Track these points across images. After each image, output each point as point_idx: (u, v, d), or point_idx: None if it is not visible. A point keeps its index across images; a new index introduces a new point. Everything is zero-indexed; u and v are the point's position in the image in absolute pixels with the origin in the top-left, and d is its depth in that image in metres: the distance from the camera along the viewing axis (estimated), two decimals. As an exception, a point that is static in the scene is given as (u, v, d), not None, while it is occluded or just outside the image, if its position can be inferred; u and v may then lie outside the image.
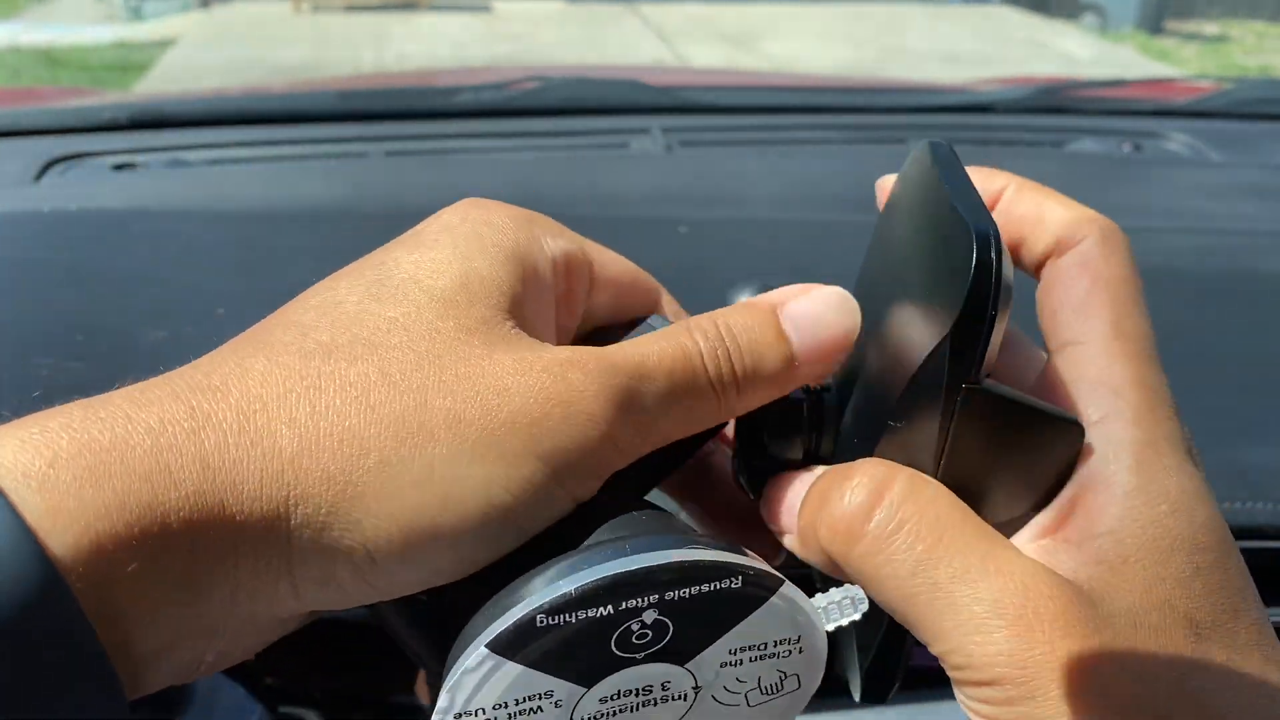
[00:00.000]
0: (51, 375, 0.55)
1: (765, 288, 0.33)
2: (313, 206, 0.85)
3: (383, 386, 0.25)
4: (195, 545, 0.23)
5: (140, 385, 0.25)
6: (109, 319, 0.63)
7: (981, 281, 0.25)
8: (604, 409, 0.26)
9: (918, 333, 0.27)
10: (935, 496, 0.27)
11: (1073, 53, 6.85)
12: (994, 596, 0.25)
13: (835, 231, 0.82)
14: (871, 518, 0.27)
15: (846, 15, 7.80)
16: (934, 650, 0.26)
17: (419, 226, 0.31)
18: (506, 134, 1.12)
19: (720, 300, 0.68)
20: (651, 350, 0.28)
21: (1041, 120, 1.23)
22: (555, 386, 0.26)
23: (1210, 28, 8.04)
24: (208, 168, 1.02)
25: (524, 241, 0.30)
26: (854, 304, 0.30)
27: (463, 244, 0.28)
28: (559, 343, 0.30)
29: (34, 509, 0.21)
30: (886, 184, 0.34)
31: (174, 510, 0.22)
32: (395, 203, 0.87)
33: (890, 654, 0.32)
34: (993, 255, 0.25)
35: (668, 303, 0.36)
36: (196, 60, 5.92)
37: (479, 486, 0.25)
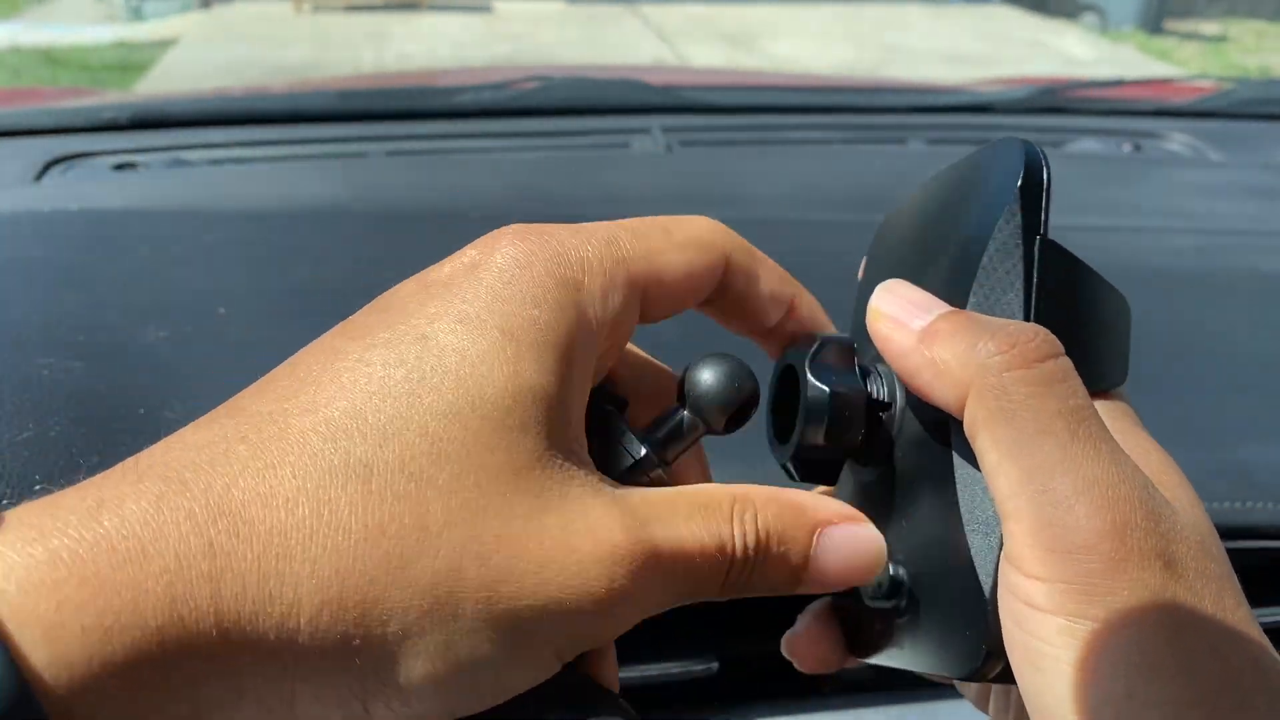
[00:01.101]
0: (52, 375, 0.55)
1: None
2: (313, 206, 0.85)
3: (418, 542, 0.23)
4: (199, 698, 0.22)
5: (158, 489, 0.22)
6: (110, 318, 0.63)
7: (1034, 154, 0.29)
8: (634, 610, 0.26)
9: (975, 227, 0.29)
10: None
11: (1072, 53, 6.85)
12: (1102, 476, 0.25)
13: (835, 231, 0.82)
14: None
15: (846, 15, 7.80)
16: (1010, 500, 0.25)
17: (455, 268, 0.28)
18: (507, 134, 1.12)
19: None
20: (693, 537, 0.27)
21: (1041, 120, 1.23)
22: (597, 583, 0.25)
23: (1210, 27, 8.04)
24: (208, 167, 1.02)
25: (575, 325, 0.27)
26: (884, 556, 0.30)
27: (511, 329, 0.26)
28: (596, 376, 0.30)
29: (40, 658, 0.20)
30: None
31: (183, 666, 0.21)
32: (396, 202, 0.87)
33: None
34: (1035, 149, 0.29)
35: (737, 260, 0.34)
36: (197, 60, 5.92)
37: (496, 670, 0.24)
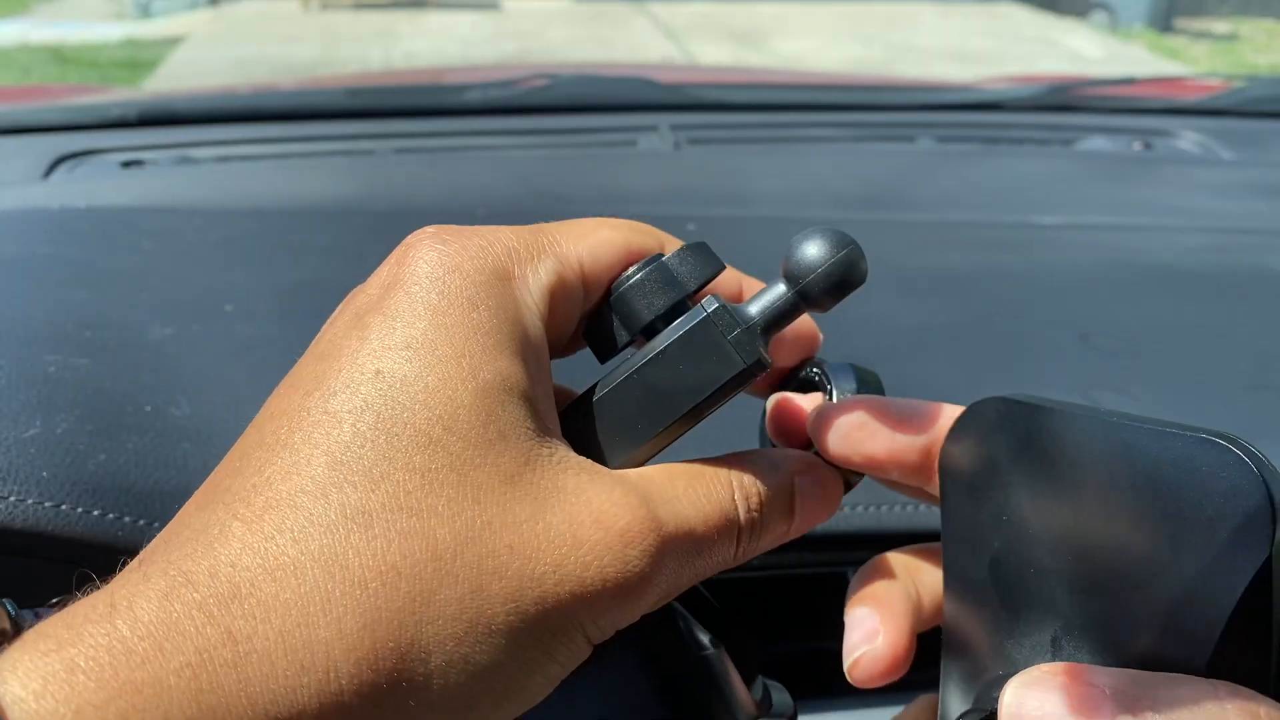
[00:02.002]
0: (59, 371, 0.55)
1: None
2: (321, 203, 0.85)
3: (435, 574, 0.23)
4: None
5: (164, 584, 0.22)
6: (117, 315, 0.63)
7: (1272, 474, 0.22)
8: (655, 587, 0.26)
9: (1197, 580, 0.23)
10: None
11: (1082, 51, 6.83)
12: None
13: (843, 229, 0.82)
14: None
15: (855, 13, 7.79)
16: None
17: (382, 287, 0.27)
18: (515, 131, 1.12)
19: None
20: (700, 519, 0.27)
21: (1051, 118, 1.23)
22: (612, 569, 0.25)
23: (1220, 26, 8.01)
24: (216, 165, 1.02)
25: (517, 319, 0.27)
26: (841, 490, 0.32)
27: (459, 339, 0.26)
28: (554, 352, 0.30)
29: None
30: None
31: None
32: (403, 199, 0.87)
33: None
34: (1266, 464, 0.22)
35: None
36: (205, 58, 5.93)
37: (536, 668, 0.25)
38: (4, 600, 0.25)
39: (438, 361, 0.25)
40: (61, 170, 0.96)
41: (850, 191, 0.93)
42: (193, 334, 0.61)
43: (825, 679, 0.56)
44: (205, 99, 1.20)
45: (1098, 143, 1.17)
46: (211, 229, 0.77)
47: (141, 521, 0.47)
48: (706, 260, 0.30)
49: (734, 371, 0.28)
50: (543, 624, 0.24)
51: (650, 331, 0.30)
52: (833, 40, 6.89)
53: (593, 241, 0.30)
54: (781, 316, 0.30)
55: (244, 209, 0.82)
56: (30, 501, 0.46)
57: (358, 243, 0.76)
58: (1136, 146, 1.17)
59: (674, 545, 0.26)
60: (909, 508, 0.52)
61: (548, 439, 0.26)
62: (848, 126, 1.17)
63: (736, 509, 0.28)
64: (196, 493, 0.26)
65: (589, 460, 0.27)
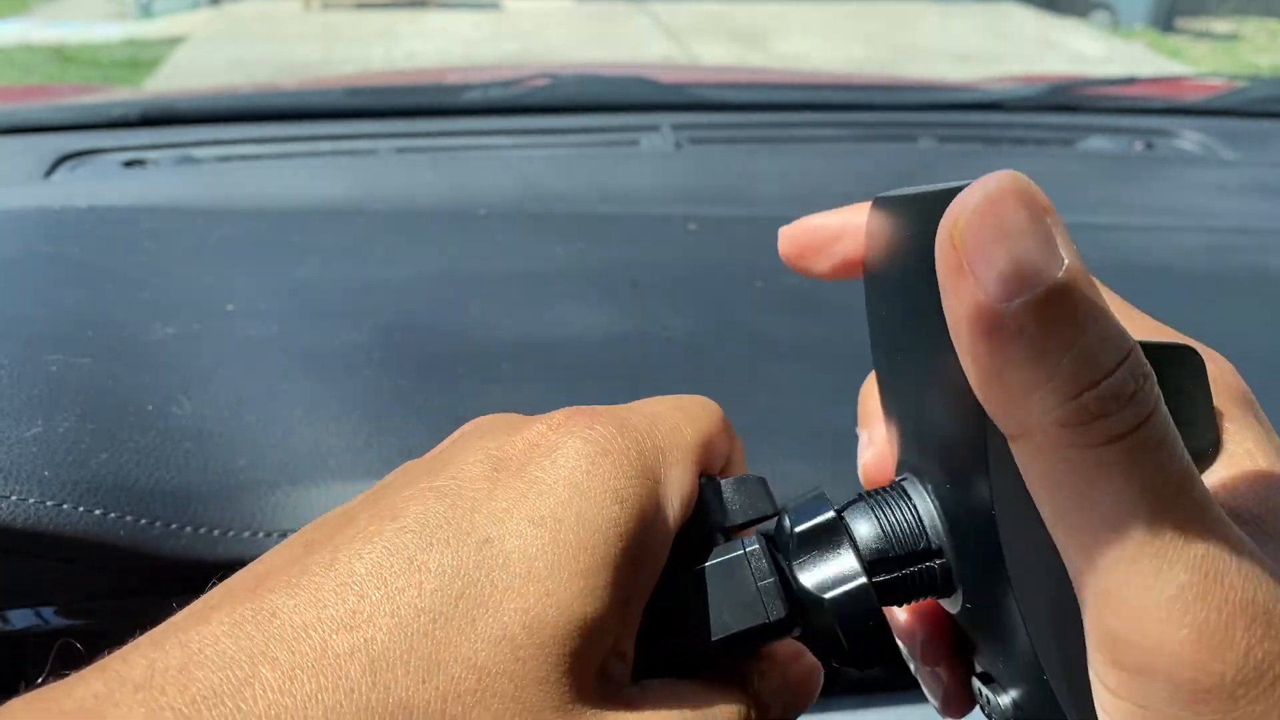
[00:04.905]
0: (61, 371, 0.55)
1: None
2: (322, 203, 0.85)
3: None
4: None
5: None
6: (118, 315, 0.63)
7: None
8: None
9: None
10: None
11: (1083, 50, 6.82)
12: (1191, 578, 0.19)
13: (845, 229, 0.82)
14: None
15: (856, 13, 7.78)
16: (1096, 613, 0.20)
17: (529, 447, 0.26)
18: (516, 131, 1.12)
19: (727, 297, 0.68)
20: None
21: (1052, 118, 1.23)
22: None
23: (1222, 26, 8.00)
24: (217, 164, 1.02)
25: (654, 530, 0.25)
26: (820, 678, 0.30)
27: (587, 535, 0.24)
28: None
29: None
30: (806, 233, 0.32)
31: None
32: (405, 199, 0.87)
33: None
34: None
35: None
36: (206, 57, 5.93)
37: None
38: None
39: (556, 549, 0.23)
40: (63, 170, 0.96)
41: (851, 191, 0.93)
42: (194, 333, 0.61)
43: (825, 679, 0.56)
44: (207, 99, 1.20)
45: (1099, 142, 1.17)
46: (213, 228, 0.77)
47: (143, 521, 0.47)
48: (756, 500, 0.29)
49: (755, 622, 0.27)
50: None
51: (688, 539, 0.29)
52: (834, 40, 6.89)
53: (712, 447, 0.29)
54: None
55: (245, 208, 0.82)
56: (32, 501, 0.46)
57: (359, 242, 0.76)
58: (1138, 146, 1.17)
59: None
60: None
61: (611, 669, 0.24)
62: (849, 126, 1.17)
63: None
64: (240, 583, 0.24)
65: (634, 690, 0.25)
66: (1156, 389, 0.19)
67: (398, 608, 0.22)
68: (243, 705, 0.20)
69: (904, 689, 0.54)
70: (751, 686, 0.27)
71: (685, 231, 0.79)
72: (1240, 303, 0.76)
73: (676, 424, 0.28)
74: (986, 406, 0.20)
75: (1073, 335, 0.19)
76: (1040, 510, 0.20)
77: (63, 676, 0.21)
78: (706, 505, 0.29)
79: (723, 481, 0.29)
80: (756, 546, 0.27)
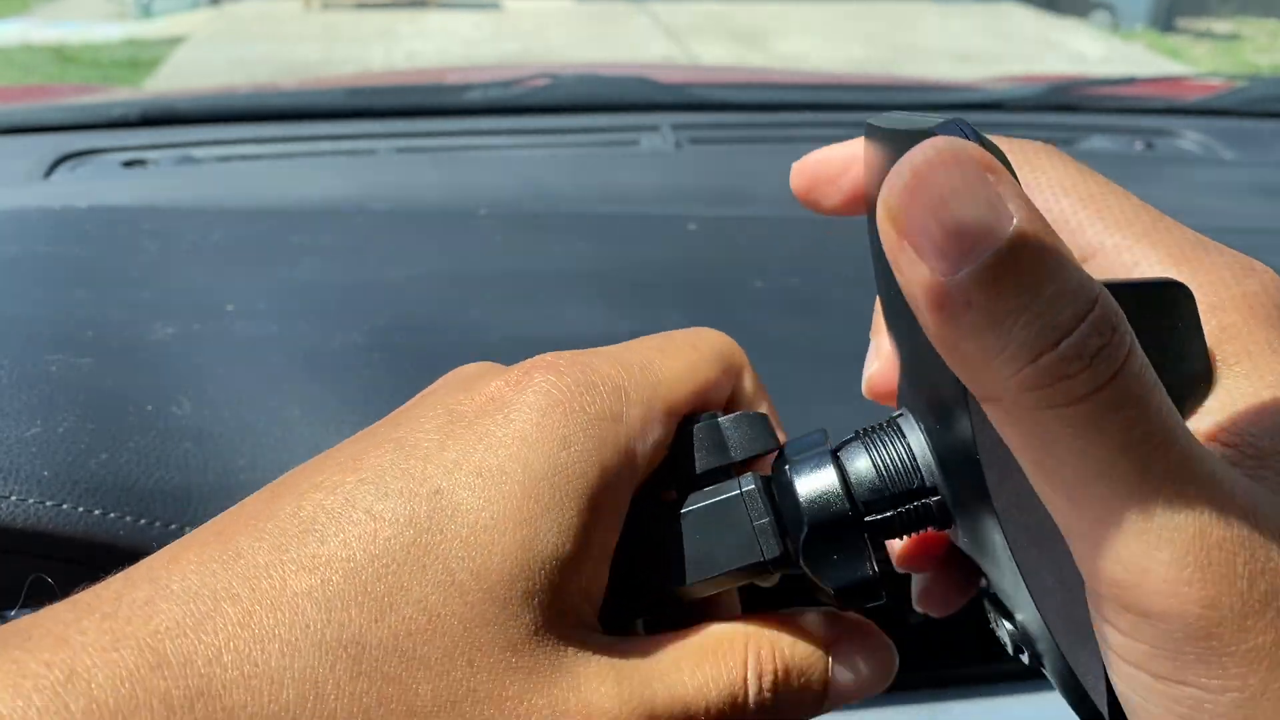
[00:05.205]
0: (60, 371, 0.55)
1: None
2: (322, 203, 0.85)
3: None
4: None
5: (133, 661, 0.21)
6: (118, 315, 0.63)
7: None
8: None
9: None
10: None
11: (1083, 50, 6.82)
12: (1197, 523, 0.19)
13: (844, 229, 0.82)
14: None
15: (856, 13, 7.79)
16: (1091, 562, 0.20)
17: (484, 402, 0.26)
18: (516, 131, 1.12)
19: (727, 297, 0.68)
20: (701, 703, 0.25)
21: (1053, 118, 1.23)
22: None
23: (1222, 26, 8.00)
24: (217, 164, 1.02)
25: (611, 469, 0.26)
26: (895, 660, 0.28)
27: (533, 483, 0.25)
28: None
29: None
30: (818, 168, 0.32)
31: None
32: (405, 199, 0.87)
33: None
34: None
35: (747, 382, 0.32)
36: (206, 57, 5.93)
37: None
38: None
39: (501, 499, 0.24)
40: (63, 170, 0.96)
41: (851, 191, 0.93)
42: (194, 334, 0.61)
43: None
44: (207, 99, 1.20)
45: (1099, 142, 1.17)
46: (213, 229, 0.77)
47: (143, 521, 0.47)
48: (758, 437, 0.30)
49: (750, 560, 0.28)
50: None
51: (687, 486, 0.29)
52: (834, 40, 6.89)
53: (691, 383, 0.29)
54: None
55: (245, 208, 0.82)
56: (31, 501, 0.46)
57: (359, 242, 0.76)
58: (1138, 146, 1.17)
59: None
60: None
61: (574, 610, 0.25)
62: (849, 126, 1.17)
63: (747, 691, 0.26)
64: (208, 528, 0.25)
65: (601, 635, 0.26)
66: (1130, 339, 0.19)
67: (354, 553, 0.23)
68: (204, 637, 0.21)
69: (901, 689, 0.54)
70: (754, 656, 0.27)
71: (685, 231, 0.79)
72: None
73: (648, 362, 0.28)
74: (955, 372, 0.20)
75: (1024, 299, 0.18)
76: (1023, 468, 0.20)
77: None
78: (701, 444, 0.29)
79: (721, 419, 0.29)
80: (753, 486, 0.28)
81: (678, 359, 0.29)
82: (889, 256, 0.19)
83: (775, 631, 0.27)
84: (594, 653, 0.25)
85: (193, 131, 1.07)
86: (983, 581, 0.29)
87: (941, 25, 7.56)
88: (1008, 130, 1.18)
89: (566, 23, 7.42)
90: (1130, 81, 1.37)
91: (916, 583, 0.32)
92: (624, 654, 0.25)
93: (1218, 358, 0.23)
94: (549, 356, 0.27)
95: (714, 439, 0.29)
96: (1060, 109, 1.25)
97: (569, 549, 0.24)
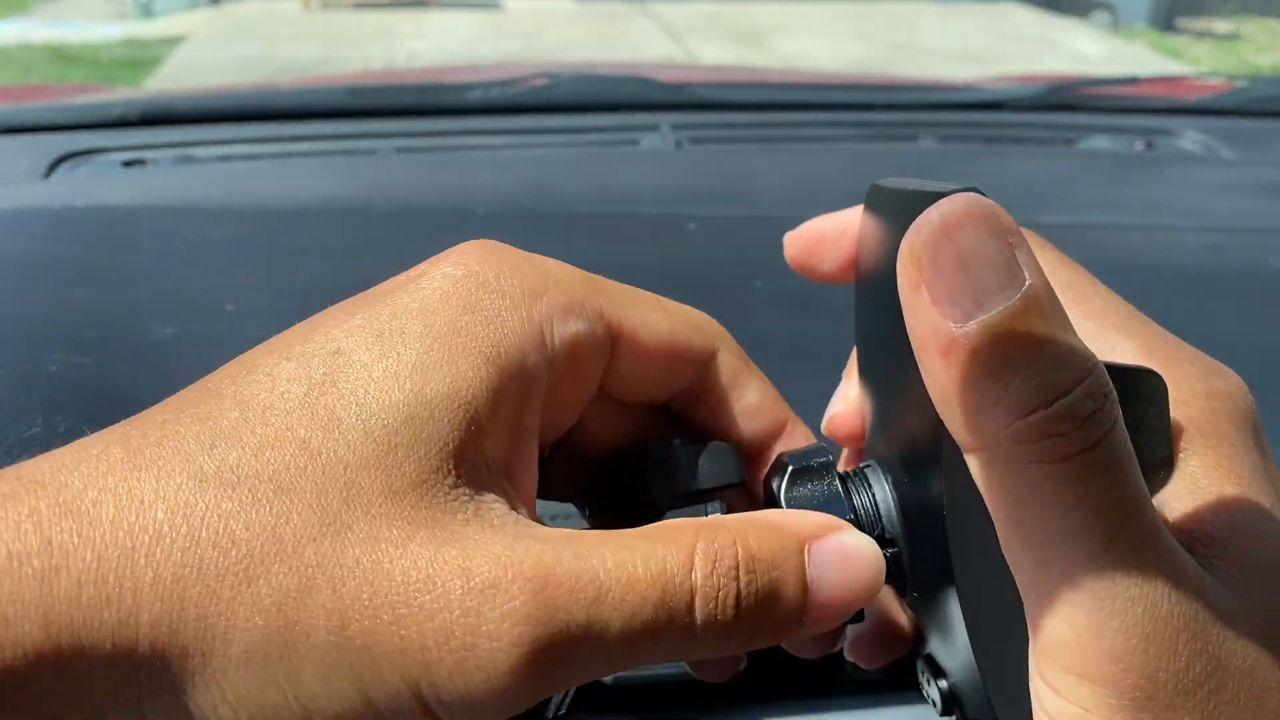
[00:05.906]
0: (60, 371, 0.55)
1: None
2: (322, 203, 0.85)
3: (268, 555, 0.21)
4: (32, 705, 0.20)
5: (12, 487, 0.21)
6: (118, 315, 0.63)
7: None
8: (517, 664, 0.22)
9: None
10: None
11: (1084, 50, 6.82)
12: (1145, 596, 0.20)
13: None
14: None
15: (856, 12, 7.78)
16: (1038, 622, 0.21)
17: (400, 280, 0.27)
18: (516, 131, 1.12)
19: (727, 297, 0.68)
20: (617, 579, 0.22)
21: (1053, 118, 1.23)
22: (461, 623, 0.21)
23: (1222, 25, 8.00)
24: (217, 164, 1.02)
25: (516, 333, 0.25)
26: (882, 561, 0.26)
27: (432, 337, 0.24)
28: (545, 435, 0.27)
29: None
30: (814, 238, 0.33)
31: (11, 668, 0.20)
32: (405, 199, 0.87)
33: None
34: None
35: (726, 359, 0.31)
36: (206, 57, 5.93)
37: (347, 708, 0.22)
38: None
39: (395, 355, 0.24)
40: (63, 169, 0.96)
41: (852, 191, 0.93)
42: (194, 333, 0.61)
43: (825, 679, 0.56)
44: (206, 98, 1.20)
45: (1099, 142, 1.17)
46: (213, 228, 0.77)
47: (143, 521, 0.47)
48: (725, 468, 0.30)
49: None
50: (364, 663, 0.21)
51: (650, 508, 0.29)
52: (834, 40, 6.89)
53: (642, 316, 0.28)
54: None
55: (245, 208, 0.82)
56: (32, 501, 0.46)
57: (359, 242, 0.76)
58: (1138, 146, 1.17)
59: (560, 612, 0.22)
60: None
61: (473, 467, 0.24)
62: (849, 126, 1.17)
63: (692, 571, 0.23)
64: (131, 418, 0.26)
65: (511, 512, 0.24)
66: (1116, 411, 0.20)
67: (245, 402, 0.24)
68: (84, 467, 0.22)
69: (902, 689, 0.54)
70: (705, 540, 0.24)
71: (685, 231, 0.79)
72: (1240, 303, 0.76)
73: (597, 277, 0.29)
74: (944, 419, 0.21)
75: (1027, 357, 0.19)
76: (994, 520, 0.21)
77: None
78: (670, 467, 0.29)
79: (694, 447, 0.30)
80: (719, 515, 0.28)
81: (631, 295, 0.29)
82: (903, 297, 0.20)
83: (738, 522, 0.25)
84: (493, 520, 0.23)
85: (193, 131, 1.07)
86: (923, 647, 0.29)
87: (941, 25, 7.56)
88: (1008, 130, 1.19)
89: (566, 23, 7.42)
90: (1130, 81, 1.37)
91: (850, 631, 0.32)
92: (534, 529, 0.24)
93: (1181, 449, 0.25)
94: (482, 241, 0.28)
95: (685, 463, 0.29)
96: (1060, 109, 1.25)
97: (462, 401, 0.24)
